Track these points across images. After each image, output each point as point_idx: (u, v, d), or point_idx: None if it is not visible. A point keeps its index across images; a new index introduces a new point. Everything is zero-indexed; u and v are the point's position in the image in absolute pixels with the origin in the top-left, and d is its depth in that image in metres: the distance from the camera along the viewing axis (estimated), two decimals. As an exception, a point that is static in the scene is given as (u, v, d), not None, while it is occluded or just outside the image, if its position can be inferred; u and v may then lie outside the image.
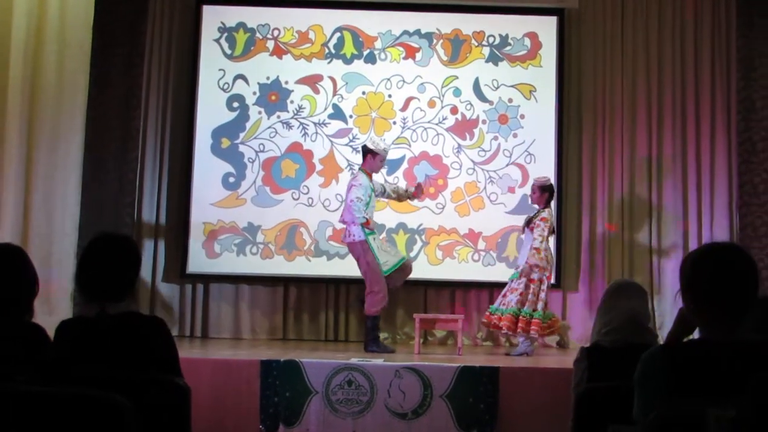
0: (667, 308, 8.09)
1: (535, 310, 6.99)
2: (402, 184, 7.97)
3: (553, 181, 8.00)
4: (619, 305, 3.47)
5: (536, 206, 7.35)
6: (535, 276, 7.04)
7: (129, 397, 2.60)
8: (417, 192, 7.55)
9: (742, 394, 2.18)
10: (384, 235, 8.07)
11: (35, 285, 3.20)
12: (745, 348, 2.38)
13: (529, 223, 7.23)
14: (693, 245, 8.20)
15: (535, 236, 7.05)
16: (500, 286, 8.30)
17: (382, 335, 7.59)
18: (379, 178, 7.56)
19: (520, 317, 6.97)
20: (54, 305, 6.80)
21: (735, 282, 2.43)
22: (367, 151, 7.27)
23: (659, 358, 2.41)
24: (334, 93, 8.51)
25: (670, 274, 8.18)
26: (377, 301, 7.07)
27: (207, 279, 8.43)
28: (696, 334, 2.56)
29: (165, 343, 3.10)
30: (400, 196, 7.60)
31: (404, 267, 7.26)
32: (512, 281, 7.18)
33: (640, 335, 3.39)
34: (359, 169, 7.37)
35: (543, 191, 7.28)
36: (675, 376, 2.36)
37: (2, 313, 3.08)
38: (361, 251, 7.08)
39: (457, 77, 8.52)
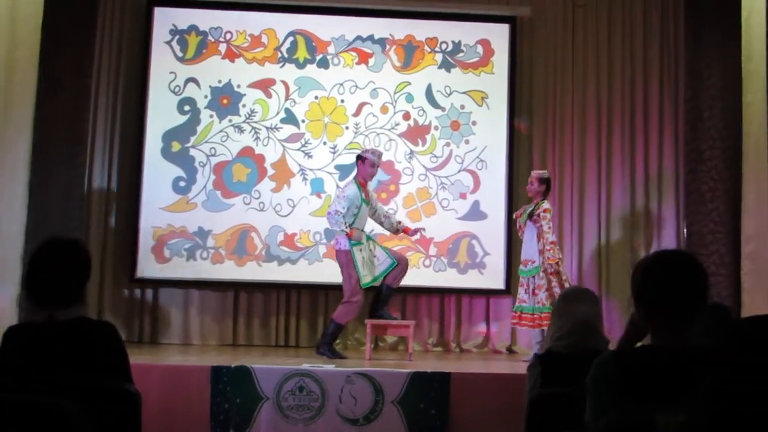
0: (614, 313, 8.17)
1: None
2: (396, 218, 7.67)
3: (503, 187, 8.12)
4: (571, 310, 3.51)
5: (531, 200, 7.40)
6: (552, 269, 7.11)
7: (78, 403, 2.56)
8: (412, 233, 7.51)
9: (692, 399, 2.21)
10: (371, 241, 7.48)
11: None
12: (694, 353, 2.41)
13: (531, 216, 7.26)
14: (641, 252, 8.31)
15: (546, 230, 7.09)
16: (451, 291, 8.39)
17: (334, 341, 7.57)
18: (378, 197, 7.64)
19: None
20: (-2, 310, 6.65)
21: (684, 289, 2.47)
22: (357, 159, 7.26)
23: (611, 364, 2.43)
24: (287, 97, 8.48)
25: (618, 280, 8.27)
26: (349, 312, 7.05)
27: (156, 284, 8.34)
28: (647, 340, 2.59)
29: (115, 348, 3.06)
30: (392, 228, 7.51)
31: (396, 268, 7.15)
32: (531, 278, 7.18)
33: (592, 339, 3.42)
34: (352, 179, 7.32)
35: (541, 183, 7.31)
36: (626, 382, 2.38)
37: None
38: (344, 261, 7.03)
39: (409, 83, 8.54)
